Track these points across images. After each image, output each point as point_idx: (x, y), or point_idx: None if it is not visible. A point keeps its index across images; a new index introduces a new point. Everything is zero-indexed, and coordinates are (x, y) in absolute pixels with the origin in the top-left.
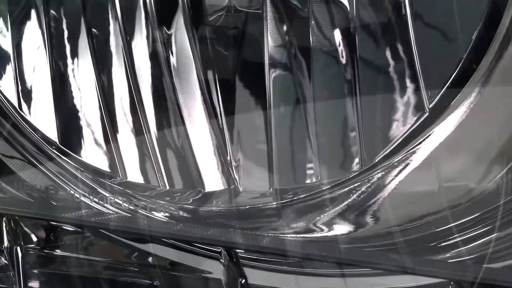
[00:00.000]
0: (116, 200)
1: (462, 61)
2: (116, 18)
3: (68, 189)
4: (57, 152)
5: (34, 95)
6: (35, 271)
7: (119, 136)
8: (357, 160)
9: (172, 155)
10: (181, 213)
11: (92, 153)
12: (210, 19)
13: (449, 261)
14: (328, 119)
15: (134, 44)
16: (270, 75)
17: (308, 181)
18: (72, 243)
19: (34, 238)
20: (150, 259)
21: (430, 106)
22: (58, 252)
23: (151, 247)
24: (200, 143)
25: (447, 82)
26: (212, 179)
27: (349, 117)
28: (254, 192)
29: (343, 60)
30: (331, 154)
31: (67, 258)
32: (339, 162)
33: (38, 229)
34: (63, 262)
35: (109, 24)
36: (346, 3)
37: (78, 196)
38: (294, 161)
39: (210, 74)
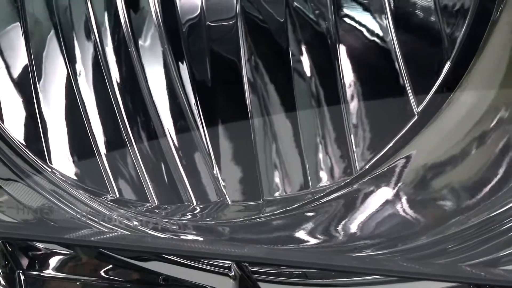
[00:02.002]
0: (125, 221)
1: (449, 64)
2: (91, 32)
3: (74, 213)
4: (49, 170)
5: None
6: None
7: (104, 152)
8: (348, 167)
9: (156, 169)
10: (177, 227)
11: (80, 171)
12: (183, 30)
13: (463, 264)
14: (315, 128)
15: (110, 59)
16: (249, 88)
17: (298, 190)
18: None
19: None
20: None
21: (419, 109)
22: (58, 275)
23: (153, 265)
24: (185, 156)
25: (434, 86)
26: (200, 192)
27: (337, 125)
28: (243, 204)
29: (308, 73)
30: (322, 162)
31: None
32: (330, 170)
33: (33, 251)
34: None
35: (84, 40)
36: (313, 16)
37: (84, 217)
38: (283, 171)
39: (188, 86)
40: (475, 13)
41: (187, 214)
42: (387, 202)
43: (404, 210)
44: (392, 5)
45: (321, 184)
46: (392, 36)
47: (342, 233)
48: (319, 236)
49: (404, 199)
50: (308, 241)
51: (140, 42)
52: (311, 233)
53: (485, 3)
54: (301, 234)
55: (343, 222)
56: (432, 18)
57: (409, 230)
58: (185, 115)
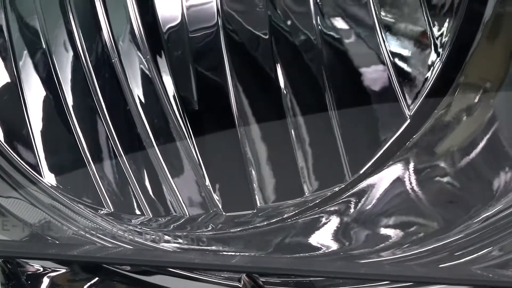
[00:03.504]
0: (134, 236)
1: (441, 68)
2: (73, 45)
3: (76, 228)
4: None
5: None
6: None
7: (94, 167)
8: (341, 173)
9: (148, 182)
10: (174, 239)
11: (72, 185)
12: (166, 38)
13: (473, 267)
14: (306, 135)
15: (94, 72)
16: (235, 98)
17: (292, 198)
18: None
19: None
20: None
21: (411, 113)
22: None
23: (158, 279)
24: (176, 168)
25: (425, 89)
26: (193, 204)
27: (329, 132)
28: (237, 214)
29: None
30: (315, 169)
31: None
32: (324, 177)
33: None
34: None
35: (66, 53)
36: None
37: (87, 232)
38: (275, 180)
39: (172, 96)
40: (464, 15)
41: (183, 226)
42: (384, 205)
43: (403, 213)
44: (379, 10)
45: (314, 192)
46: (381, 42)
47: (342, 239)
48: (318, 242)
49: (402, 201)
50: (308, 248)
51: (123, 53)
52: (310, 240)
53: (474, 6)
54: (300, 241)
55: (341, 228)
56: (422, 21)
57: (412, 234)
58: (170, 126)
